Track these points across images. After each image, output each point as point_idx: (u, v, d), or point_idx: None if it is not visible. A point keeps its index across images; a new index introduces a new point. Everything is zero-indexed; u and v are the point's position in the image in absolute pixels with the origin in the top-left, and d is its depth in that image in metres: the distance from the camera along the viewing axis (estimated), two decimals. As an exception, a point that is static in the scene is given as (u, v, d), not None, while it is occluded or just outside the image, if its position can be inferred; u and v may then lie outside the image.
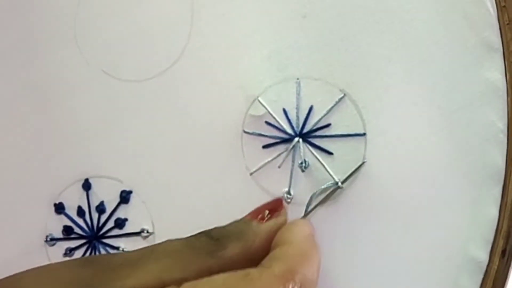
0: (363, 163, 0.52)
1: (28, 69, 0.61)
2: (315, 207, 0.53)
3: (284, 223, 0.47)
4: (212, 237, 0.46)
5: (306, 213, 0.53)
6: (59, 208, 0.60)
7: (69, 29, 0.60)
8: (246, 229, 0.47)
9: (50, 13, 0.60)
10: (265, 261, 0.45)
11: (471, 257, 0.50)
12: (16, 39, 0.61)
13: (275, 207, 0.49)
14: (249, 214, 0.49)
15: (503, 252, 0.49)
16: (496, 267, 0.50)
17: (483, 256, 0.50)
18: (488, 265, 0.50)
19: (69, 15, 0.60)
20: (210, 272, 0.44)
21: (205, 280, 0.43)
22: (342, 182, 0.52)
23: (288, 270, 0.43)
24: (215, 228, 0.47)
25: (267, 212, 0.48)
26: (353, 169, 0.52)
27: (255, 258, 0.45)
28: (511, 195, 0.49)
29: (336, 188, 0.52)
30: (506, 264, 0.49)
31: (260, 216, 0.48)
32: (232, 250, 0.46)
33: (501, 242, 0.49)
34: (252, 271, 0.43)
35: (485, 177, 0.50)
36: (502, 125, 0.50)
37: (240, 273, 0.43)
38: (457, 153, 0.50)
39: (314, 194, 0.52)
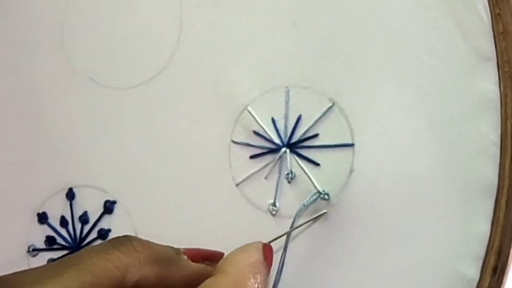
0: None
1: (13, 74, 0.60)
2: (301, 225, 0.51)
3: (210, 275, 0.46)
4: (135, 247, 0.44)
5: (293, 229, 0.51)
6: (42, 218, 0.59)
7: (56, 35, 0.59)
8: (174, 257, 0.46)
9: (37, 18, 0.60)
10: None
11: (462, 274, 0.48)
12: (1, 44, 0.60)
13: (215, 257, 0.48)
14: (186, 249, 0.48)
15: (495, 269, 0.48)
16: (487, 285, 0.48)
17: (474, 273, 0.48)
18: (478, 283, 0.48)
19: (57, 21, 0.59)
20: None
21: None
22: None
23: None
24: (141, 239, 0.46)
25: None
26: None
27: None
28: (503, 210, 0.48)
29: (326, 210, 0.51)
30: (497, 282, 0.47)
31: (194, 257, 0.47)
32: (148, 270, 0.44)
33: (492, 259, 0.48)
34: None
35: (476, 191, 0.48)
36: (495, 137, 0.48)
37: None
38: (448, 166, 0.49)
39: (299, 209, 0.51)
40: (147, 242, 0.46)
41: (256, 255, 0.46)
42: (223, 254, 0.49)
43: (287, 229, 0.51)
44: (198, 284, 0.44)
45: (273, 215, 0.53)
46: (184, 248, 0.48)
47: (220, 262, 0.46)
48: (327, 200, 0.51)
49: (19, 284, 0.41)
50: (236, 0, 0.54)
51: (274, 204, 0.52)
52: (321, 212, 0.51)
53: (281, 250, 0.51)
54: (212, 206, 0.54)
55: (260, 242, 0.48)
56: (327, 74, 0.52)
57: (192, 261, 0.47)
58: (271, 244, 0.49)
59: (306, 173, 0.52)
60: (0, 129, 0.60)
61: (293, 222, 0.51)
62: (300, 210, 0.51)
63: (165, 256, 0.46)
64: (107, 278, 0.42)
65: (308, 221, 0.51)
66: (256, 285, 0.44)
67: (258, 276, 0.45)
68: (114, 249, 0.44)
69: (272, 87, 0.53)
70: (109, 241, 0.45)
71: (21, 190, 0.60)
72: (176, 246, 0.48)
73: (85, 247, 0.46)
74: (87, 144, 0.58)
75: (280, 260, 0.51)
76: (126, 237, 0.45)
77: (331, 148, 0.51)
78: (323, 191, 0.51)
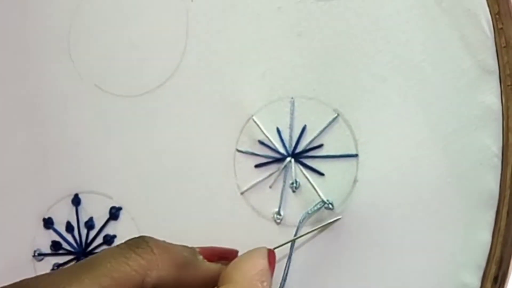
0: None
1: (21, 82, 0.60)
2: (307, 233, 0.52)
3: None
4: (152, 249, 0.45)
5: (297, 237, 0.52)
6: (48, 223, 0.60)
7: (63, 43, 0.60)
8: (190, 258, 0.47)
9: (45, 26, 0.60)
10: None
11: (463, 283, 0.49)
12: (9, 51, 0.61)
13: (229, 255, 0.49)
14: (202, 248, 0.48)
15: (495, 278, 0.48)
16: (488, 294, 0.48)
17: (475, 282, 0.49)
18: (479, 292, 0.49)
19: (64, 28, 0.60)
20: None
21: None
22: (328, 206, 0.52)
23: None
24: (158, 240, 0.46)
25: None
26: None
27: None
28: (504, 220, 0.48)
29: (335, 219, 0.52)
30: (498, 291, 0.48)
31: (210, 256, 0.48)
32: (165, 273, 0.45)
33: (493, 268, 0.48)
34: None
35: (478, 202, 0.49)
36: (497, 149, 0.49)
37: None
38: (450, 176, 0.49)
39: (302, 217, 0.51)
40: (164, 243, 0.46)
41: (263, 263, 0.47)
42: (237, 252, 0.50)
43: (292, 237, 0.52)
44: (215, 284, 0.45)
45: (278, 223, 0.53)
46: (199, 247, 0.48)
47: (228, 270, 0.47)
48: (331, 209, 0.52)
49: None
50: (243, 11, 0.55)
51: (278, 213, 0.53)
52: (333, 219, 0.52)
53: (285, 259, 0.52)
54: (217, 214, 0.55)
55: (265, 248, 0.49)
56: (332, 85, 0.52)
57: (208, 260, 0.48)
58: (275, 251, 0.50)
59: (310, 183, 0.52)
60: (7, 135, 0.61)
61: (296, 231, 0.51)
62: (303, 218, 0.52)
63: (182, 258, 0.46)
64: (126, 282, 0.43)
65: (317, 228, 0.52)
66: None
67: (265, 283, 0.46)
68: (132, 252, 0.44)
69: (277, 97, 0.54)
70: (125, 243, 0.46)
71: (28, 195, 0.60)
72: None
73: (102, 250, 0.47)
74: (93, 150, 0.59)
75: (285, 270, 0.51)
76: (142, 238, 0.46)
77: (336, 158, 0.52)
78: (327, 200, 0.52)
